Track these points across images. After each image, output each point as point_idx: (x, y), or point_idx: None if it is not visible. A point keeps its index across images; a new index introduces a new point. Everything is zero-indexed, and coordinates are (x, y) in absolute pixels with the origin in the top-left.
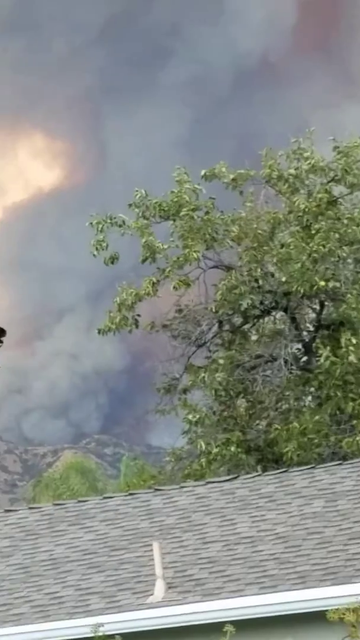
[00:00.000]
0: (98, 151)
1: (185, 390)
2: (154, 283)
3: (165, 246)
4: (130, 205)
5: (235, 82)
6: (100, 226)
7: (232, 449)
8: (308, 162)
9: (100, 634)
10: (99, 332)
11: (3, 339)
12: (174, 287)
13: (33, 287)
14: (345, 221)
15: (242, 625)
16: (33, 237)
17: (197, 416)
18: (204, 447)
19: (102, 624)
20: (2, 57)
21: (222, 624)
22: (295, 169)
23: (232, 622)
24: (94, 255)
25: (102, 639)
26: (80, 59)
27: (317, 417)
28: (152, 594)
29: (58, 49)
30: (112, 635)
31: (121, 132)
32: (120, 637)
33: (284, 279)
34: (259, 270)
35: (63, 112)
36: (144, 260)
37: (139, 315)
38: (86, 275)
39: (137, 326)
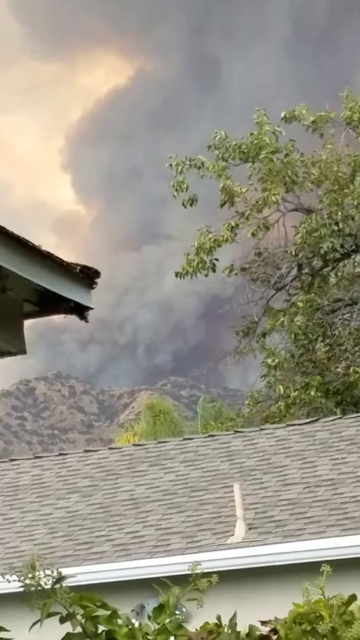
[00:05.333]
0: (203, 81)
1: (264, 334)
2: (232, 227)
3: (244, 190)
4: (209, 146)
5: (334, 9)
6: (180, 168)
7: (312, 393)
8: None
9: (198, 571)
10: (176, 276)
11: (97, 280)
12: (252, 234)
13: (132, 212)
14: None
15: (324, 572)
16: (135, 159)
17: (276, 360)
18: (282, 391)
19: (199, 562)
20: None
21: (302, 565)
22: None
23: (312, 564)
24: (173, 196)
25: (200, 577)
26: None
27: None
28: (232, 535)
29: None
30: (210, 574)
31: (226, 65)
32: (217, 576)
33: None
34: (339, 213)
35: (171, 46)
36: (222, 205)
37: (217, 259)
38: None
39: (214, 270)
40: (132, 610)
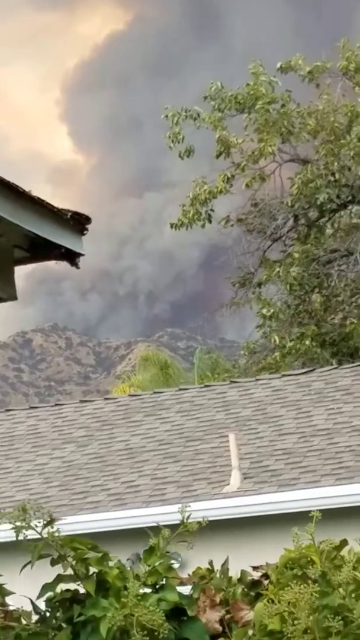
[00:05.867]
0: (202, 27)
1: (260, 284)
2: (228, 178)
3: (240, 140)
4: (205, 97)
5: None
6: (176, 119)
7: (307, 342)
8: None
9: (188, 513)
10: (171, 227)
11: (88, 226)
12: (247, 185)
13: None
14: None
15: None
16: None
17: (272, 310)
18: (277, 341)
19: (189, 504)
20: None
21: (297, 515)
22: None
23: (307, 513)
24: (169, 147)
25: (188, 525)
26: None
27: None
28: (227, 484)
29: None
30: (199, 522)
31: (226, 11)
32: (206, 520)
33: None
34: (335, 163)
35: None
36: (218, 155)
37: (212, 210)
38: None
39: (210, 221)
40: (127, 559)
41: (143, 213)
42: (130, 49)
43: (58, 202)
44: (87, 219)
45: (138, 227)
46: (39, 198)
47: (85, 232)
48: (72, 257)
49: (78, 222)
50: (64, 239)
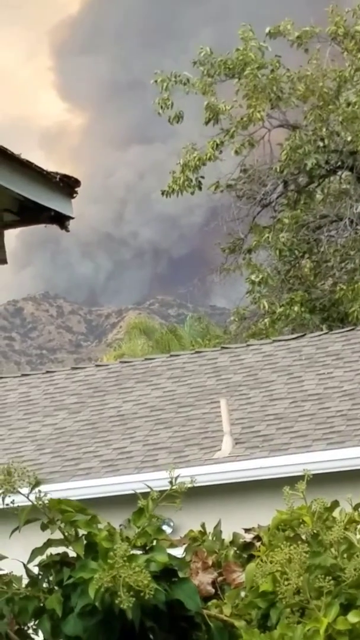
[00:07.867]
0: None
1: (249, 250)
2: (217, 145)
3: (229, 107)
4: (194, 63)
5: None
6: (165, 84)
7: (296, 308)
8: None
9: (176, 474)
10: (162, 194)
11: (77, 189)
12: (235, 152)
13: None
14: None
15: (308, 480)
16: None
17: (260, 276)
18: (267, 307)
19: (175, 466)
20: None
21: (289, 479)
22: None
23: (299, 478)
24: (158, 113)
25: (178, 485)
26: None
27: None
28: (219, 450)
29: None
30: (190, 482)
31: None
32: (195, 479)
33: (349, 138)
34: (324, 129)
35: None
36: (207, 122)
37: (202, 177)
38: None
39: (200, 188)
40: (120, 525)
41: (141, 170)
42: (123, 3)
43: (53, 167)
44: (76, 182)
45: (135, 187)
46: (27, 161)
47: (74, 195)
48: (61, 220)
49: (67, 185)
50: (53, 202)
